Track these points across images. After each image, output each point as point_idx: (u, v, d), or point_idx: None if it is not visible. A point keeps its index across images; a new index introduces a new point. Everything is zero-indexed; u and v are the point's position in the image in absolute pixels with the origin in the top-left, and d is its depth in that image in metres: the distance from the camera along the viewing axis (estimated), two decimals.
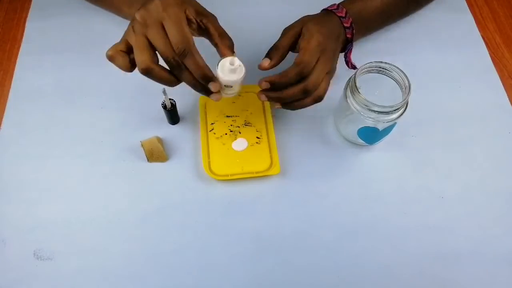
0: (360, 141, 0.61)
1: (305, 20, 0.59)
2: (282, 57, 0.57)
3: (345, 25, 0.60)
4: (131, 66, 0.49)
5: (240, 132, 0.62)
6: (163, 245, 0.56)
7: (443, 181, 0.61)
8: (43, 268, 0.54)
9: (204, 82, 0.50)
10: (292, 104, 0.57)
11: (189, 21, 0.50)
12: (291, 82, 0.54)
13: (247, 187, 0.59)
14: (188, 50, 0.47)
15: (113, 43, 0.70)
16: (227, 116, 0.63)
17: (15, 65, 0.68)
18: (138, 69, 0.48)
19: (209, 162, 0.59)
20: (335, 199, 0.59)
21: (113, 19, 0.71)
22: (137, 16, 0.48)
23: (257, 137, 0.62)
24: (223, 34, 0.53)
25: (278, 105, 0.57)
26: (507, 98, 0.68)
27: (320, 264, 0.55)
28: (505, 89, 0.68)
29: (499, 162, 0.63)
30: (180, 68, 0.49)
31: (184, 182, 0.59)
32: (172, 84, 0.50)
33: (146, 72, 0.48)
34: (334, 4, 0.62)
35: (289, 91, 0.55)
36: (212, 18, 0.53)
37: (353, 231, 0.57)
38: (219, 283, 0.54)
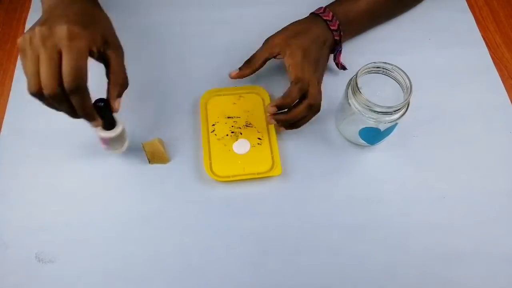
0: (362, 141, 0.61)
1: (286, 34, 0.59)
2: (254, 70, 0.60)
3: (332, 28, 0.61)
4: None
5: (241, 133, 0.62)
6: (165, 247, 0.56)
7: (444, 181, 0.61)
8: (44, 271, 0.53)
9: (86, 119, 0.48)
10: (297, 123, 0.58)
11: (90, 52, 0.46)
12: (295, 101, 0.56)
13: (249, 188, 0.59)
14: (80, 89, 0.44)
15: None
16: (228, 117, 0.63)
17: (15, 65, 0.68)
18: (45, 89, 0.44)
19: (210, 164, 0.59)
20: (337, 200, 0.59)
21: (113, 19, 0.71)
22: (37, 31, 0.44)
23: (259, 138, 0.62)
24: (121, 75, 0.49)
25: (283, 128, 0.60)
26: (508, 98, 0.68)
27: (322, 265, 0.55)
28: (505, 89, 0.68)
29: (500, 162, 0.63)
30: (60, 101, 0.45)
31: (185, 183, 0.59)
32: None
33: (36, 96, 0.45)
34: (321, 8, 0.62)
35: (295, 111, 0.57)
36: (119, 53, 0.50)
37: (355, 232, 0.57)
38: (221, 284, 0.54)
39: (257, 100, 0.65)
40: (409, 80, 0.54)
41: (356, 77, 0.55)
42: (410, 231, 0.58)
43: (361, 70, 0.55)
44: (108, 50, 0.48)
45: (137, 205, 0.58)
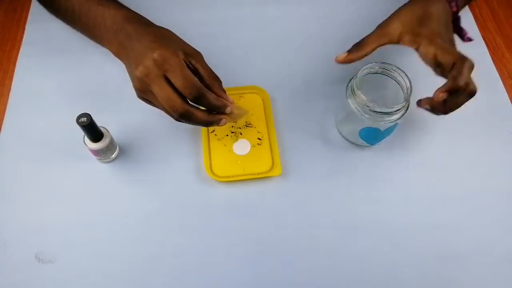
0: (361, 141, 0.61)
1: (403, 20, 0.54)
2: (363, 56, 0.55)
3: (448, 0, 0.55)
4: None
5: (241, 133, 0.62)
6: (165, 246, 0.56)
7: (444, 181, 0.61)
8: (44, 271, 0.53)
9: (220, 112, 0.52)
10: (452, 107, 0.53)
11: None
12: (467, 80, 0.50)
13: (249, 188, 0.59)
14: (201, 93, 0.48)
15: None
16: None
17: (15, 66, 0.68)
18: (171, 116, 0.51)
19: (210, 164, 0.59)
20: (337, 200, 0.59)
21: None
22: (138, 74, 0.48)
23: (259, 138, 0.62)
24: (212, 75, 0.52)
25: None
26: (507, 98, 0.68)
27: (322, 265, 0.55)
28: (505, 89, 0.68)
29: (500, 162, 0.63)
30: (189, 114, 0.49)
31: (185, 183, 0.59)
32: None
33: (176, 119, 0.50)
34: None
35: (458, 100, 0.51)
36: (200, 57, 0.52)
37: (355, 232, 0.57)
38: (221, 284, 0.54)
39: (257, 100, 0.65)
40: (409, 80, 0.54)
41: (356, 77, 0.55)
42: (409, 231, 0.58)
43: (361, 70, 0.55)
44: (192, 61, 0.50)
45: (137, 205, 0.58)
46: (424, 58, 0.53)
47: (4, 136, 0.62)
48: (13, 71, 0.67)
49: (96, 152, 0.57)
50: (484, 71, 0.70)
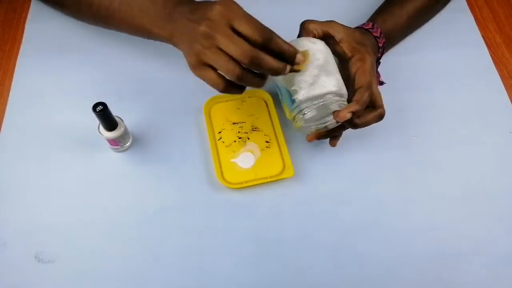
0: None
1: (351, 34, 0.57)
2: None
3: (379, 44, 0.60)
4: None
5: (248, 138, 0.61)
6: (165, 247, 0.56)
7: (444, 181, 0.61)
8: (44, 271, 0.53)
9: (291, 60, 0.48)
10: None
11: None
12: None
13: (262, 191, 0.59)
14: (271, 33, 0.46)
15: (113, 44, 0.69)
16: (233, 123, 0.62)
17: (14, 65, 0.67)
18: (233, 79, 0.46)
19: (221, 171, 0.58)
20: (335, 200, 0.59)
21: None
22: (203, 29, 0.46)
23: (266, 141, 0.61)
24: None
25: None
26: (507, 98, 0.68)
27: (322, 266, 0.55)
28: (505, 89, 0.68)
29: (500, 162, 0.63)
30: (260, 63, 0.45)
31: (197, 190, 0.59)
32: (262, 83, 0.49)
33: (241, 77, 0.46)
34: (369, 23, 0.61)
35: (368, 119, 0.55)
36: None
37: (355, 232, 0.57)
38: (224, 286, 0.54)
39: (260, 103, 0.64)
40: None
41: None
42: (410, 231, 0.57)
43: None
44: None
45: (137, 205, 0.58)
46: (351, 66, 0.55)
47: (4, 136, 0.62)
48: (13, 70, 0.67)
49: (111, 141, 0.58)
50: (484, 71, 0.70)
